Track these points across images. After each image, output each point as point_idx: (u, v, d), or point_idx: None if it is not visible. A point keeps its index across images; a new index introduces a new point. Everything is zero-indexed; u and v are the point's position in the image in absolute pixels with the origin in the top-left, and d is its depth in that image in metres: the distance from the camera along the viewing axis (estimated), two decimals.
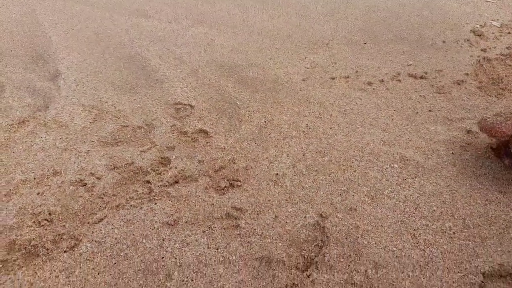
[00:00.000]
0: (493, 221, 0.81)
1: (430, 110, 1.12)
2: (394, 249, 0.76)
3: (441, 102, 1.15)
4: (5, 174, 0.91)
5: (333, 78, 1.28)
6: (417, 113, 1.11)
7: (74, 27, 1.58)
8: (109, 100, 1.17)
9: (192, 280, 0.72)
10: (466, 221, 0.81)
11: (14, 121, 1.07)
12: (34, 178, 0.91)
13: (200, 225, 0.82)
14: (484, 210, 0.83)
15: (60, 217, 0.82)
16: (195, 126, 1.07)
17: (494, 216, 0.81)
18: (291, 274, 0.72)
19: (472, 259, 0.74)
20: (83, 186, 0.89)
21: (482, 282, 0.70)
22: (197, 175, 0.93)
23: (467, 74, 1.26)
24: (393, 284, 0.70)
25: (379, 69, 1.32)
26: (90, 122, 1.08)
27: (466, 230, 0.79)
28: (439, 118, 1.09)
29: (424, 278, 0.71)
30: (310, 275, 0.72)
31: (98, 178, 0.91)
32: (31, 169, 0.93)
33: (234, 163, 0.96)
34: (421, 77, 1.26)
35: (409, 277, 0.71)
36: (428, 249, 0.76)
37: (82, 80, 1.25)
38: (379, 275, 0.72)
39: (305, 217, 0.82)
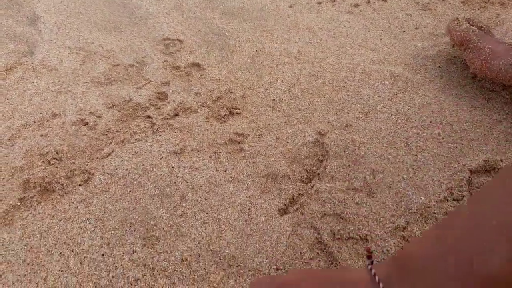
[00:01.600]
0: (478, 124, 0.87)
1: (416, 28, 1.14)
2: (389, 156, 0.82)
3: (426, 19, 1.16)
4: (3, 120, 0.92)
5: (320, 3, 1.27)
6: (404, 31, 1.13)
7: None
8: (95, 40, 1.14)
9: (205, 199, 0.77)
10: (453, 126, 0.87)
11: (1, 68, 1.04)
12: (35, 122, 0.91)
13: (205, 151, 0.85)
14: (470, 116, 0.88)
15: (68, 155, 0.85)
16: (187, 60, 1.07)
17: (479, 120, 0.87)
18: (296, 186, 0.78)
19: (460, 159, 0.80)
20: (85, 125, 0.91)
21: (470, 177, 0.77)
22: (196, 107, 0.95)
23: None
24: (390, 186, 0.77)
25: None
26: (80, 64, 1.07)
27: (454, 135, 0.85)
28: (425, 34, 1.11)
29: (417, 179, 0.78)
30: (313, 185, 0.78)
31: (99, 117, 0.92)
32: (29, 113, 0.93)
33: (231, 92, 0.98)
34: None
35: (403, 179, 0.78)
36: (420, 154, 0.82)
37: (63, 22, 1.21)
38: (376, 180, 0.78)
39: (304, 136, 0.87)
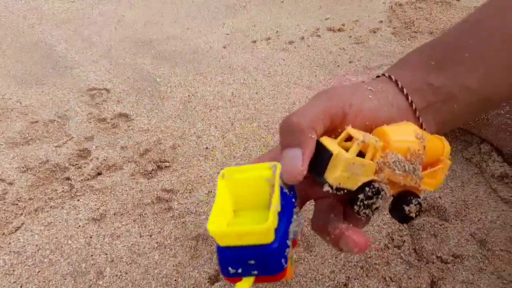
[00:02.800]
0: None
1: (350, 62, 1.13)
2: None
3: (360, 52, 1.16)
4: None
5: (255, 42, 1.25)
6: (338, 66, 1.12)
7: None
8: (13, 95, 1.05)
9: (126, 273, 0.68)
10: None
11: None
12: None
13: (130, 214, 0.77)
14: None
15: None
16: (114, 110, 1.00)
17: None
18: None
19: None
20: None
21: None
22: (121, 163, 0.87)
23: (381, 21, 1.28)
24: None
25: (299, 27, 1.30)
26: None
27: None
28: (359, 68, 1.10)
29: None
30: None
31: (10, 184, 0.83)
32: None
33: (160, 143, 0.91)
34: (339, 30, 1.27)
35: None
36: None
37: None
38: None
39: None
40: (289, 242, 0.34)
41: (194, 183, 0.82)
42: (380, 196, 0.36)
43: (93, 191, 0.81)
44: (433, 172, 0.39)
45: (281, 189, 0.36)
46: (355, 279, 0.65)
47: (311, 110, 0.37)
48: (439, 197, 0.76)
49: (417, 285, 0.64)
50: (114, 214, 0.77)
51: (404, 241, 0.70)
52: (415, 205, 0.37)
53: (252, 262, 0.32)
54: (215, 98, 1.03)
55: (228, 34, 1.29)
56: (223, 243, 0.33)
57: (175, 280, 0.67)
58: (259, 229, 0.31)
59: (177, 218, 0.76)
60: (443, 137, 0.41)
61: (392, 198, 0.39)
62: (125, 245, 0.72)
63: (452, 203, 0.75)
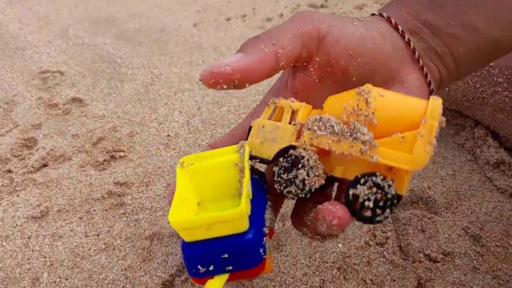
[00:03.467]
0: None
1: None
2: None
3: None
4: None
5: (229, 19, 1.14)
6: None
7: None
8: None
9: (66, 279, 0.58)
10: None
11: None
12: None
13: (76, 211, 0.67)
14: None
15: None
16: (67, 95, 0.89)
17: None
18: None
19: None
20: None
21: (395, 212, 0.65)
22: (70, 153, 0.77)
23: None
24: (302, 235, 0.62)
25: (278, 3, 1.20)
26: None
27: None
28: None
29: None
30: None
31: None
32: None
33: (115, 131, 0.81)
34: (322, 6, 1.17)
35: None
36: None
37: None
38: (286, 227, 0.63)
39: None
40: (266, 230, 0.31)
41: (151, 175, 0.73)
42: (300, 165, 0.28)
43: (36, 185, 0.71)
44: (403, 141, 0.26)
45: (252, 176, 0.33)
46: (331, 282, 0.57)
47: (277, 30, 0.32)
48: (428, 187, 0.67)
49: None
50: (58, 211, 0.67)
51: (388, 238, 0.62)
52: (370, 187, 0.26)
53: (226, 256, 0.28)
54: (181, 80, 0.93)
55: (200, 11, 1.18)
56: (189, 237, 0.29)
57: (123, 286, 0.58)
58: (231, 214, 0.27)
59: (130, 215, 0.66)
60: (432, 98, 0.28)
61: (322, 170, 0.30)
62: (67, 247, 0.62)
63: (443, 193, 0.66)
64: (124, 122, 0.82)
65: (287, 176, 0.29)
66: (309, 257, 0.60)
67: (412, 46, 0.34)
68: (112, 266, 0.60)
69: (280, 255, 0.60)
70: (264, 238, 0.30)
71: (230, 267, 0.29)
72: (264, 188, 0.34)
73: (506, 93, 0.60)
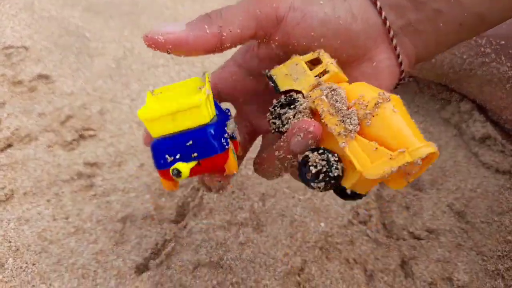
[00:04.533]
0: None
1: None
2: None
3: None
4: None
5: None
6: None
7: None
8: None
9: (33, 265, 0.55)
10: None
11: None
12: None
13: (44, 193, 0.63)
14: None
15: None
16: (33, 71, 0.83)
17: None
18: (163, 228, 0.59)
19: None
20: None
21: (378, 190, 0.63)
22: (37, 132, 0.72)
23: None
24: (283, 214, 0.60)
25: None
26: None
27: None
28: None
29: (316, 200, 0.62)
30: (186, 225, 0.59)
31: None
32: None
33: (85, 108, 0.76)
34: None
35: (300, 201, 0.62)
36: None
37: None
38: (266, 207, 0.61)
39: None
40: (227, 135, 0.33)
41: (124, 155, 0.68)
42: (292, 106, 0.33)
43: (0, 166, 0.66)
44: (375, 150, 0.28)
45: (215, 102, 0.35)
46: (312, 262, 0.55)
47: (231, 10, 0.32)
48: None
49: (385, 267, 0.54)
50: (24, 193, 0.63)
51: (371, 216, 0.60)
52: (322, 159, 0.30)
53: (190, 142, 0.31)
54: (155, 55, 0.88)
55: None
56: (156, 131, 0.32)
57: (94, 271, 0.54)
58: (191, 102, 0.30)
59: (101, 197, 0.62)
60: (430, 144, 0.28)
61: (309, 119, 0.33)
62: (34, 231, 0.58)
63: (428, 170, 0.64)
64: (94, 99, 0.77)
65: (279, 110, 0.33)
66: (290, 237, 0.57)
67: (388, 24, 0.34)
68: (82, 250, 0.56)
69: (260, 236, 0.57)
70: (225, 134, 0.33)
71: (195, 154, 0.31)
72: (228, 114, 0.37)
73: (494, 63, 0.57)
